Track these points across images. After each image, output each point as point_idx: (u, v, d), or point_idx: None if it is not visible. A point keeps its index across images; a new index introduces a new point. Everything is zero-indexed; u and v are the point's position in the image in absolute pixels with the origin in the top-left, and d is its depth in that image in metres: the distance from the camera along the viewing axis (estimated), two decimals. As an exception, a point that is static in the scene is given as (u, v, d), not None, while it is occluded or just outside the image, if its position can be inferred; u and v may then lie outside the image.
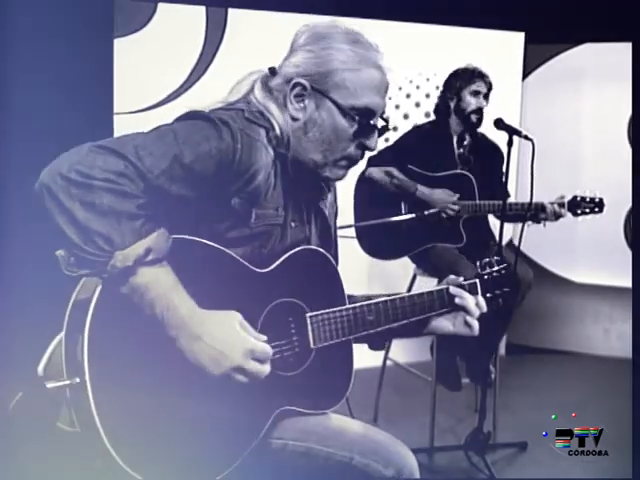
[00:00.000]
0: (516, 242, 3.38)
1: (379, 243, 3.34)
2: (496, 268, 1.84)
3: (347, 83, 1.50)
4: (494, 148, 3.49)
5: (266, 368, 1.38)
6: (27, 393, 1.37)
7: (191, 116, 1.46)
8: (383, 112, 1.57)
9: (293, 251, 1.56)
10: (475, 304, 1.70)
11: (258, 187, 1.47)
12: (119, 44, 3.72)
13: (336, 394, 1.61)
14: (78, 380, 1.29)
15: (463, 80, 3.40)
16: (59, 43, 3.40)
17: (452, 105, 3.42)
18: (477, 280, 1.79)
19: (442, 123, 3.48)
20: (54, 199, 1.25)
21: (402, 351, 3.89)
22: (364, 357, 4.02)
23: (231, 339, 1.34)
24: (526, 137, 2.85)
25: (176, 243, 1.35)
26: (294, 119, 1.53)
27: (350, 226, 3.14)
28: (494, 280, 1.83)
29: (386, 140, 4.20)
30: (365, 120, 1.53)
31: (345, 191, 3.35)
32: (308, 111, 1.52)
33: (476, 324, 1.70)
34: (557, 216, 3.27)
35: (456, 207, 3.27)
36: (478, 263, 1.84)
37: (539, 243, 4.65)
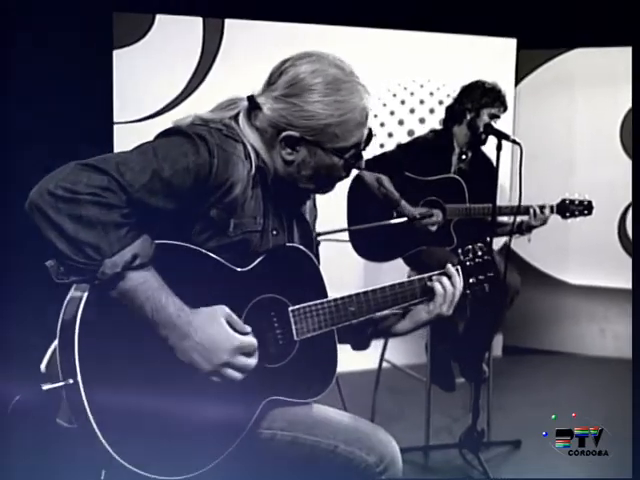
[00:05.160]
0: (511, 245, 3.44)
1: (372, 246, 3.40)
2: (479, 253, 1.88)
3: (337, 132, 1.57)
4: (489, 163, 3.52)
5: (253, 360, 1.47)
6: (28, 393, 1.43)
7: (171, 132, 1.53)
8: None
9: (272, 250, 1.63)
10: (450, 284, 1.76)
11: (235, 199, 1.53)
12: (118, 55, 3.81)
13: (321, 384, 1.68)
14: (72, 381, 1.36)
15: (488, 98, 3.38)
16: (59, 55, 3.48)
17: (469, 117, 3.41)
18: (458, 267, 1.83)
19: (446, 133, 3.50)
20: (43, 215, 1.33)
21: (398, 353, 3.95)
22: (361, 360, 4.09)
23: (218, 337, 1.43)
24: (514, 141, 2.89)
25: (158, 248, 1.43)
26: (287, 162, 1.61)
27: (343, 230, 3.21)
28: (477, 266, 1.87)
29: (381, 146, 4.28)
30: (354, 151, 1.62)
31: (339, 194, 3.43)
32: (301, 155, 1.60)
33: (444, 306, 1.75)
34: (542, 220, 3.30)
35: (434, 228, 3.31)
36: (460, 250, 1.88)
37: (534, 245, 4.70)
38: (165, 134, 1.54)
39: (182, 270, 1.47)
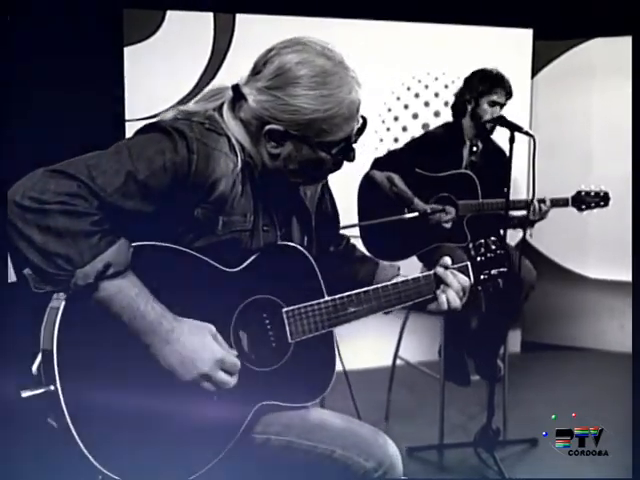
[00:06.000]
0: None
1: (383, 244, 3.32)
2: (493, 247, 1.82)
3: (323, 126, 1.48)
4: (501, 154, 3.44)
5: (233, 380, 1.42)
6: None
7: (149, 129, 1.46)
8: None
9: (265, 248, 1.56)
10: (457, 281, 1.70)
11: (222, 196, 1.46)
12: (129, 52, 3.80)
13: (318, 387, 1.61)
14: (52, 388, 1.32)
15: (485, 86, 3.32)
16: (70, 53, 3.48)
17: (469, 108, 3.38)
18: (468, 263, 1.78)
19: (456, 126, 3.45)
20: (12, 226, 1.29)
21: (412, 350, 3.90)
22: (375, 357, 4.06)
23: (201, 347, 1.38)
24: (527, 133, 2.84)
25: (140, 250, 1.38)
26: (272, 156, 1.53)
27: (354, 225, 3.16)
28: (489, 260, 1.81)
29: (395, 140, 4.24)
30: (343, 145, 1.53)
31: (351, 190, 3.39)
32: (287, 149, 1.51)
33: (443, 297, 1.69)
34: (540, 215, 3.22)
35: (448, 225, 3.26)
36: (471, 245, 1.81)
37: (553, 240, 4.64)
38: (143, 131, 1.47)
39: (168, 272, 1.41)
